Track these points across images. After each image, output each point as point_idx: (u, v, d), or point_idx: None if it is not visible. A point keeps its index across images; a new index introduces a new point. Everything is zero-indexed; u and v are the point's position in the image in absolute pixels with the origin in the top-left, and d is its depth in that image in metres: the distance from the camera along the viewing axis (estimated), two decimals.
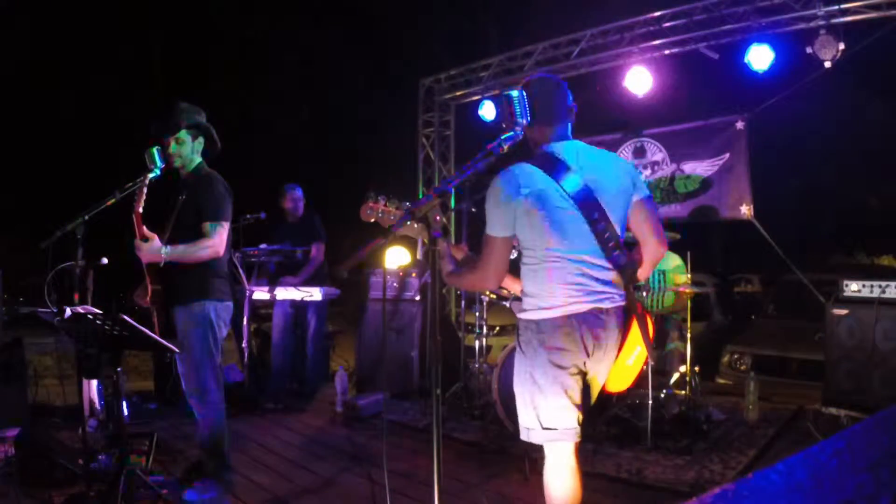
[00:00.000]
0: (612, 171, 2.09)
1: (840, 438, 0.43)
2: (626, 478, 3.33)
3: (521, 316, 2.12)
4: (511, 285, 2.30)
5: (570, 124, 2.16)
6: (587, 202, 1.98)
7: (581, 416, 2.07)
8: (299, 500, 3.21)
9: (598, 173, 2.04)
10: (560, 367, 2.00)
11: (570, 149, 2.08)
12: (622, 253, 2.02)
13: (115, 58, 13.83)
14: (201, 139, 3.24)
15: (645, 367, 2.24)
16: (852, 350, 4.16)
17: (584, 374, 2.06)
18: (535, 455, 3.58)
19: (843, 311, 4.24)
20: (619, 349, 2.07)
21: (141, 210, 2.95)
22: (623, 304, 2.06)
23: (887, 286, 4.12)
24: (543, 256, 2.01)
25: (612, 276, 2.03)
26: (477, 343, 4.80)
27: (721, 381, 5.85)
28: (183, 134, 3.14)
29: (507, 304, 4.56)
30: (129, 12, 13.62)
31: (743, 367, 5.64)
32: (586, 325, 1.99)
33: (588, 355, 2.02)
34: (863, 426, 0.45)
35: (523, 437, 2.13)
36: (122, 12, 13.57)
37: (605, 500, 3.10)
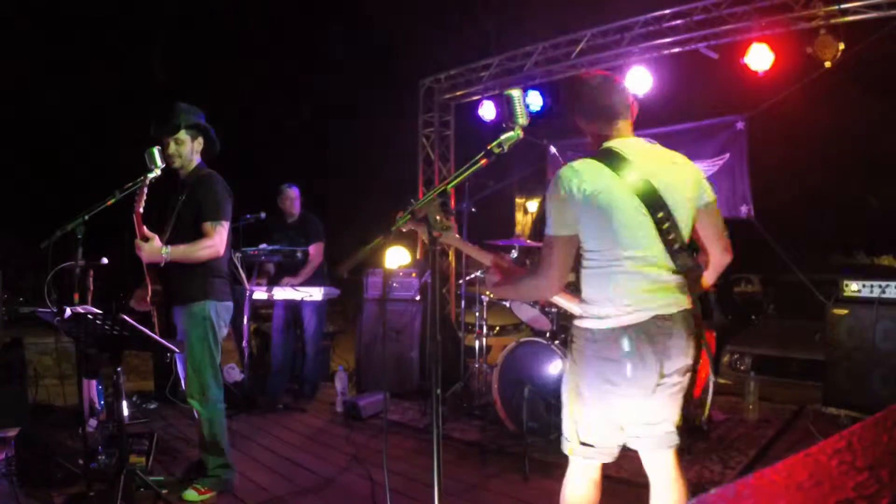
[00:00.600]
0: (679, 172, 1.98)
1: (840, 438, 0.43)
2: (628, 478, 3.32)
3: (577, 323, 1.98)
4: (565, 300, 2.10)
5: (631, 122, 2.06)
6: (653, 202, 1.86)
7: (620, 441, 1.97)
8: (299, 500, 3.21)
9: (663, 172, 1.93)
10: (611, 382, 1.87)
11: (634, 146, 1.98)
12: (688, 256, 1.90)
13: (115, 58, 13.83)
14: (201, 139, 3.25)
15: (705, 377, 2.13)
16: (852, 350, 4.16)
17: (643, 393, 1.89)
18: (535, 455, 3.58)
19: (843, 311, 4.24)
20: (693, 356, 1.92)
21: (141, 210, 2.95)
22: (688, 308, 1.92)
23: (887, 286, 4.12)
24: (605, 259, 1.88)
25: (676, 280, 1.90)
26: (477, 343, 4.81)
27: (721, 381, 5.85)
28: (182, 134, 3.15)
29: (507, 304, 4.57)
30: (129, 12, 13.63)
31: (743, 367, 5.65)
32: (646, 335, 1.85)
33: (651, 368, 1.86)
34: (863, 426, 0.45)
35: (563, 447, 2.05)
36: (123, 12, 13.57)
37: (606, 500, 3.10)
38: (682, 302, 1.91)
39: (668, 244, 1.87)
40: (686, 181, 1.97)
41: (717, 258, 2.06)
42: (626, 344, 1.85)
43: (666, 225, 1.87)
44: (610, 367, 1.87)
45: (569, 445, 2.01)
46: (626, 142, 1.99)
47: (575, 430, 1.98)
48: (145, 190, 2.96)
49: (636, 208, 1.86)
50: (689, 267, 1.90)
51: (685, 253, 1.89)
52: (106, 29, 13.62)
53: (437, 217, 1.85)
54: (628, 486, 3.26)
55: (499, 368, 4.10)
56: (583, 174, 1.88)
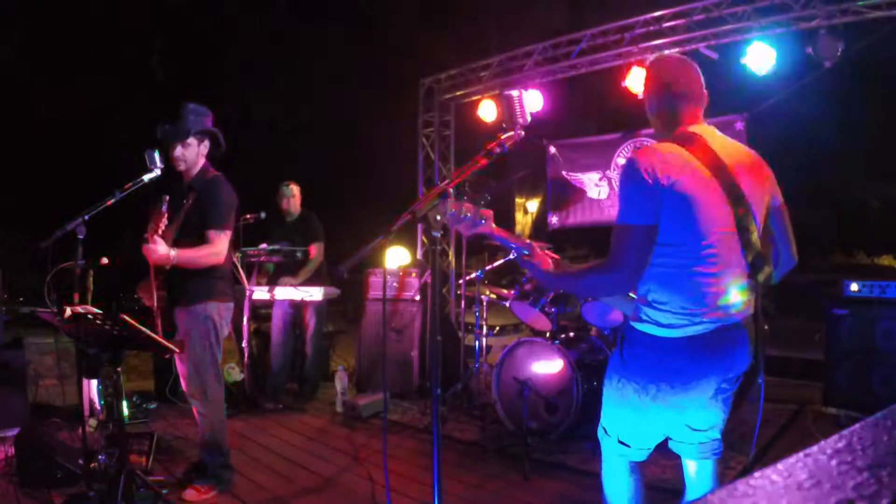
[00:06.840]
0: (756, 167, 1.83)
1: (840, 438, 0.43)
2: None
3: (637, 326, 1.81)
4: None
5: (702, 110, 1.91)
6: (735, 195, 1.70)
7: (658, 441, 1.90)
8: (299, 500, 3.21)
9: (742, 165, 1.77)
10: (667, 393, 1.75)
11: (712, 133, 1.82)
12: (758, 256, 1.75)
13: (115, 58, 13.84)
14: (207, 142, 3.25)
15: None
16: (852, 350, 4.17)
17: (699, 403, 1.81)
18: (535, 455, 3.58)
19: (843, 311, 4.24)
20: (750, 363, 1.81)
21: (164, 224, 2.93)
22: (753, 312, 1.79)
23: (887, 286, 4.13)
24: (681, 256, 1.70)
25: (747, 283, 1.76)
26: (477, 343, 4.81)
27: None
28: (190, 139, 3.15)
29: (507, 304, 4.57)
30: (129, 12, 13.63)
31: None
32: (712, 346, 1.71)
33: (713, 380, 1.76)
34: (863, 426, 0.45)
35: (600, 436, 1.98)
36: (123, 12, 13.58)
37: None
38: (749, 306, 1.79)
39: (745, 243, 1.72)
40: (762, 177, 1.83)
41: (788, 260, 1.94)
42: (691, 357, 1.71)
43: (745, 221, 1.72)
44: (668, 379, 1.74)
45: (607, 440, 1.94)
46: (703, 128, 1.83)
47: (615, 428, 1.91)
48: (166, 205, 2.93)
49: (719, 201, 1.70)
50: (760, 267, 1.76)
51: (757, 252, 1.75)
52: (106, 29, 13.62)
53: (438, 217, 1.83)
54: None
55: (498, 368, 4.11)
56: (666, 157, 1.70)
